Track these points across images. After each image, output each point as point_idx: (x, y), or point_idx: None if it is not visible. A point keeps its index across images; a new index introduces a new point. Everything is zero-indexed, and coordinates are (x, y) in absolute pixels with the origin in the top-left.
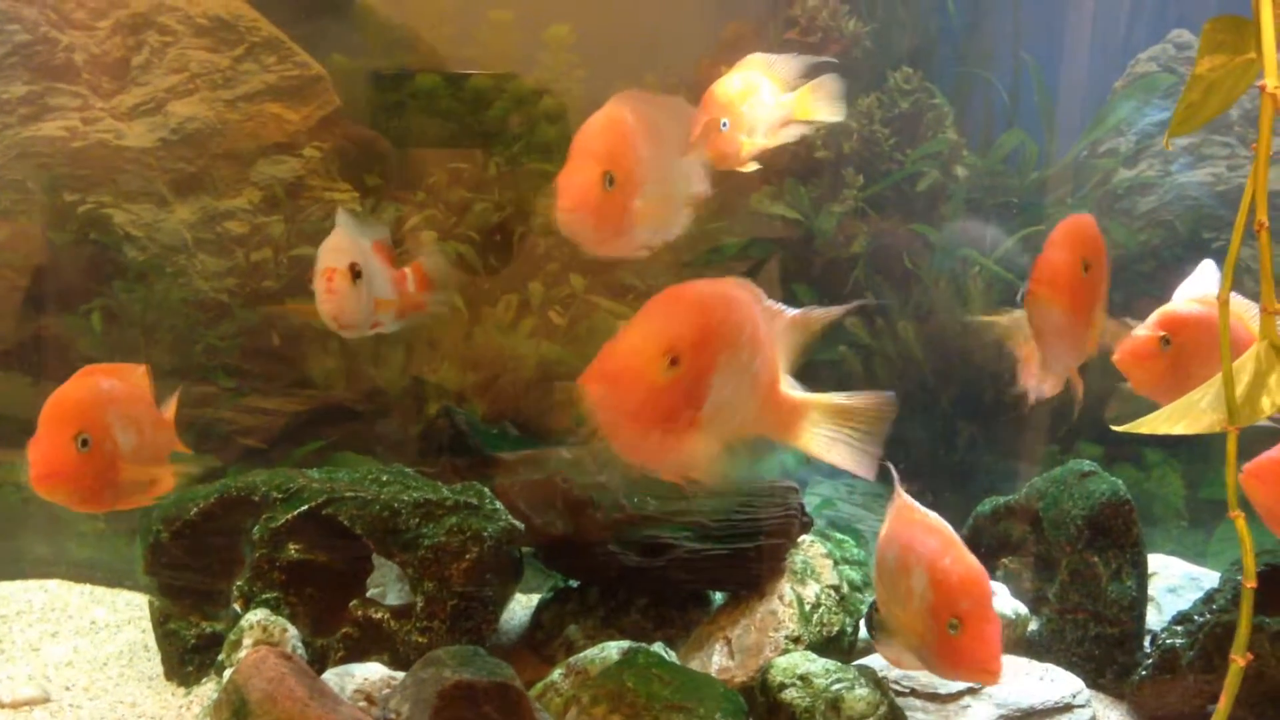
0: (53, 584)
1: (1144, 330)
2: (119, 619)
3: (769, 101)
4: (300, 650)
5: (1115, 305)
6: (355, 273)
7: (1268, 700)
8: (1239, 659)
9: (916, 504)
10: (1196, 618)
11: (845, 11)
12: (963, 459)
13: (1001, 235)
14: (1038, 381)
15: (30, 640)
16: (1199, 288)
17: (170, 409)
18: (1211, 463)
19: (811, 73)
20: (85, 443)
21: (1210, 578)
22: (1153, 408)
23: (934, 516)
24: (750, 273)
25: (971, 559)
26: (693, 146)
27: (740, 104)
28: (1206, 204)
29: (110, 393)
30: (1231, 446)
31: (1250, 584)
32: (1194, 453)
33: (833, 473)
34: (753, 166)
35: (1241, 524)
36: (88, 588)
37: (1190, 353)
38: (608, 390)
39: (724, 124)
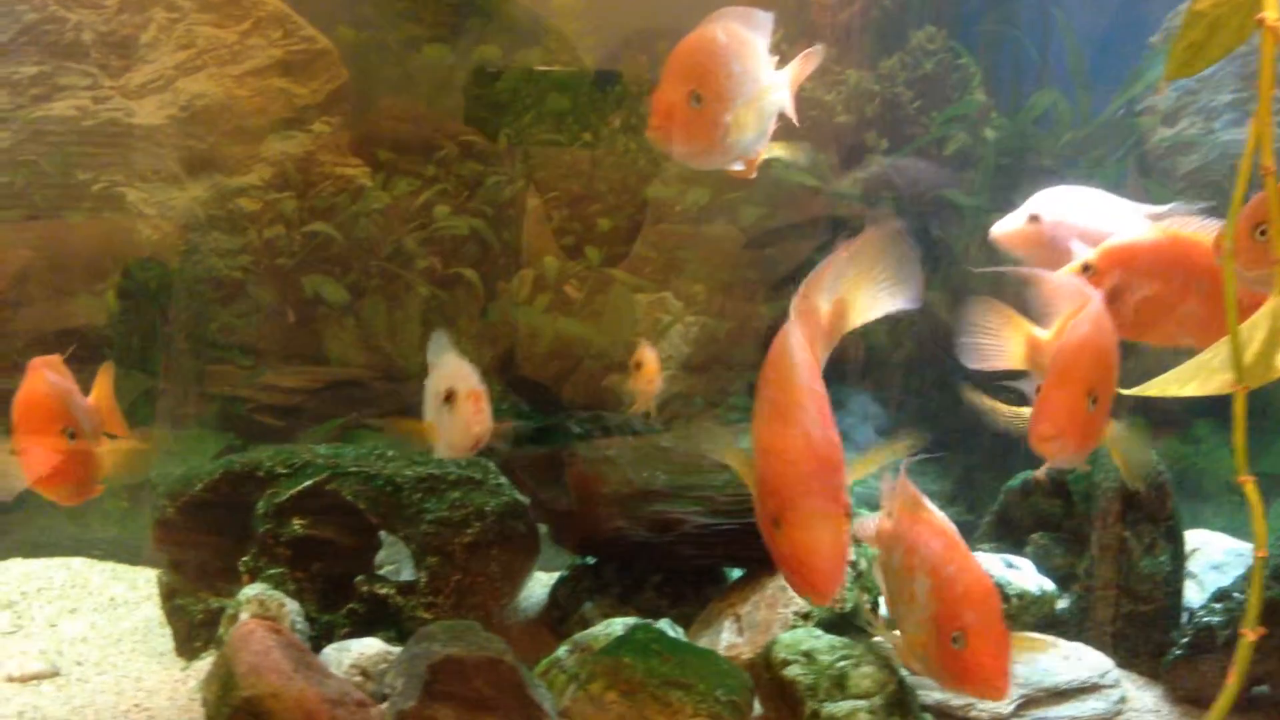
0: (77, 562)
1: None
2: (138, 596)
3: None
4: (300, 625)
5: None
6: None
7: None
8: (1249, 633)
9: (924, 499)
10: (1236, 594)
11: None
12: (998, 433)
13: None
14: None
15: (49, 616)
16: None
17: (101, 390)
18: (1266, 435)
19: None
20: (72, 435)
21: None
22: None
23: (940, 515)
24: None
25: (978, 567)
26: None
27: None
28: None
29: (67, 385)
30: (1239, 407)
31: (1261, 553)
32: (1248, 425)
33: (864, 449)
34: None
35: (1251, 489)
36: (110, 565)
37: (1138, 288)
38: None
39: None
